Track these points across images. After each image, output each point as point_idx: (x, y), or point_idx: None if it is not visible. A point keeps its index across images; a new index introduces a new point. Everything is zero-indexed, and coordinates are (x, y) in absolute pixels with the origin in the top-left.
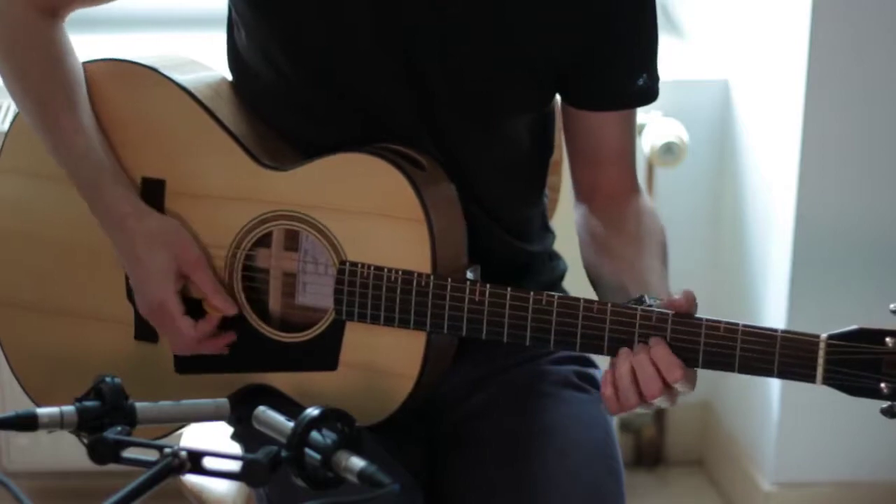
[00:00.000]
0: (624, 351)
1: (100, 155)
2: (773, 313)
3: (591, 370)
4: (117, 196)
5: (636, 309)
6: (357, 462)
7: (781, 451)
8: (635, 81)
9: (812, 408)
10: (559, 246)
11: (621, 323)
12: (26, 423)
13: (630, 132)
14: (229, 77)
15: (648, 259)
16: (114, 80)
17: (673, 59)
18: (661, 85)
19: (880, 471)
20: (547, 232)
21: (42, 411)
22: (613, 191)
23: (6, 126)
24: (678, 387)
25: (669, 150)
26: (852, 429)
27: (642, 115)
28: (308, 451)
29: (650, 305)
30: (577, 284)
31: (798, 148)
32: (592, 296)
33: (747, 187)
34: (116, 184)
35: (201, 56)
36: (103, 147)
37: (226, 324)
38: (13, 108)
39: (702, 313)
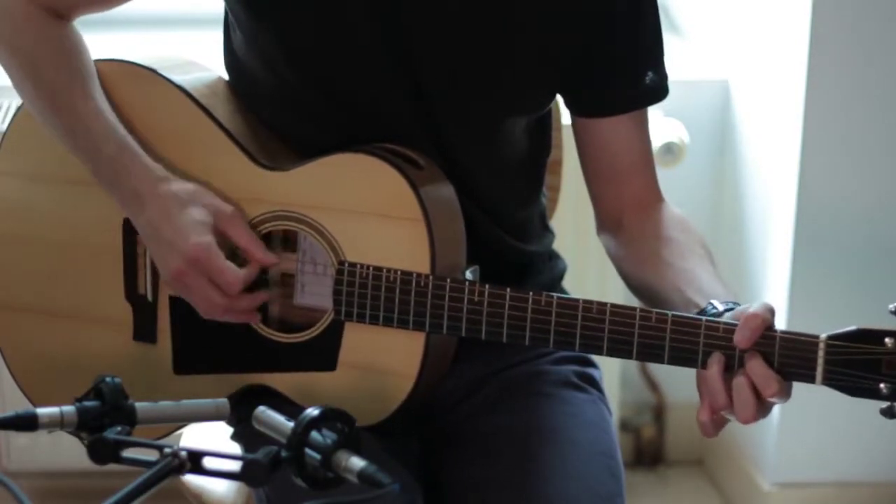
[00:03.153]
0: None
1: (121, 133)
2: None
3: (591, 370)
4: (147, 166)
5: (634, 309)
6: (357, 462)
7: (781, 451)
8: (643, 79)
9: (812, 408)
10: (559, 246)
11: (621, 323)
12: (26, 423)
13: (645, 137)
14: (226, 78)
15: (705, 263)
16: (113, 80)
17: (673, 59)
18: None
19: (880, 471)
20: (546, 232)
21: (42, 411)
22: (641, 203)
23: (4, 126)
24: (774, 399)
25: (669, 150)
26: (852, 429)
27: None
28: (308, 451)
29: (720, 313)
30: (577, 284)
31: (798, 148)
32: (592, 295)
33: (747, 187)
34: (141, 156)
35: (199, 56)
36: (121, 126)
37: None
38: (12, 109)
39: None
